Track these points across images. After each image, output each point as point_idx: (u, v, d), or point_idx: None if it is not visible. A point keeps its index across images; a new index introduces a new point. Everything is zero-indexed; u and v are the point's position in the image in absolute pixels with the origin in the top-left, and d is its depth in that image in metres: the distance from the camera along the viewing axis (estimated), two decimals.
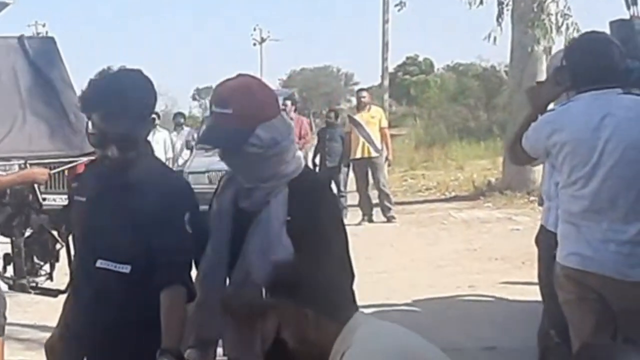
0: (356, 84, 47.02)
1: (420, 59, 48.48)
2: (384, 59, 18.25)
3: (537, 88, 4.03)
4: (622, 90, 3.25)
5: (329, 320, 2.17)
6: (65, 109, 5.96)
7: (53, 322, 6.63)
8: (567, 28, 13.19)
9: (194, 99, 57.83)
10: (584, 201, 3.21)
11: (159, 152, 13.01)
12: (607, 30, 3.73)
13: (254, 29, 49.73)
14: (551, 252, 3.81)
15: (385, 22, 17.91)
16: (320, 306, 2.17)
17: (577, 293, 3.28)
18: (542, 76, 7.05)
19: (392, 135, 23.74)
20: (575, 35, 11.27)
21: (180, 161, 13.15)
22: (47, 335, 6.24)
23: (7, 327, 5.21)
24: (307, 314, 2.16)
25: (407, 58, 48.13)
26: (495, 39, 14.05)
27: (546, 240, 3.90)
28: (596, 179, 3.17)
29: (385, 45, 18.02)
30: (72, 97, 5.75)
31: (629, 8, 3.80)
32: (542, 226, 4.16)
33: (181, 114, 14.82)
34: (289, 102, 12.18)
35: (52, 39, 6.77)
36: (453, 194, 14.78)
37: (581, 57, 3.26)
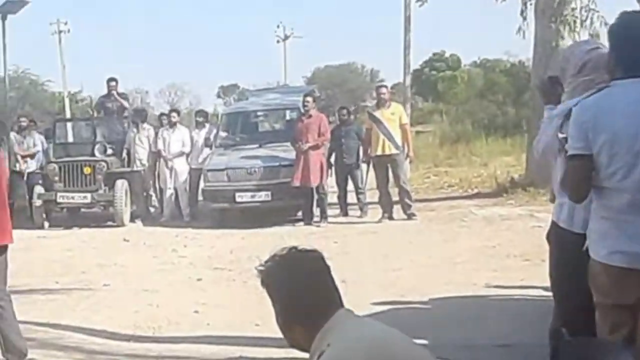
0: (381, 80, 46.85)
1: (447, 55, 48.20)
2: (406, 55, 18.10)
3: (547, 83, 3.94)
4: None
5: (299, 325, 2.25)
6: None
7: (66, 321, 6.69)
8: (592, 22, 13.03)
9: (218, 96, 58.02)
10: (625, 194, 3.04)
11: (177, 149, 13.08)
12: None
13: (277, 26, 49.46)
14: (562, 249, 3.72)
15: (407, 17, 17.77)
16: (288, 313, 2.27)
17: (616, 299, 3.10)
18: None
19: (417, 132, 23.58)
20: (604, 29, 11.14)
21: (200, 159, 13.13)
22: (61, 333, 6.28)
23: (21, 325, 5.25)
24: (278, 319, 2.28)
25: (434, 54, 47.90)
26: (524, 33, 13.95)
27: (557, 237, 3.81)
28: (638, 168, 3.01)
29: (407, 42, 17.87)
30: None
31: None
32: (553, 222, 4.06)
33: (202, 112, 14.75)
34: (310, 99, 12.09)
35: None
36: (475, 190, 14.63)
37: (623, 43, 3.11)
